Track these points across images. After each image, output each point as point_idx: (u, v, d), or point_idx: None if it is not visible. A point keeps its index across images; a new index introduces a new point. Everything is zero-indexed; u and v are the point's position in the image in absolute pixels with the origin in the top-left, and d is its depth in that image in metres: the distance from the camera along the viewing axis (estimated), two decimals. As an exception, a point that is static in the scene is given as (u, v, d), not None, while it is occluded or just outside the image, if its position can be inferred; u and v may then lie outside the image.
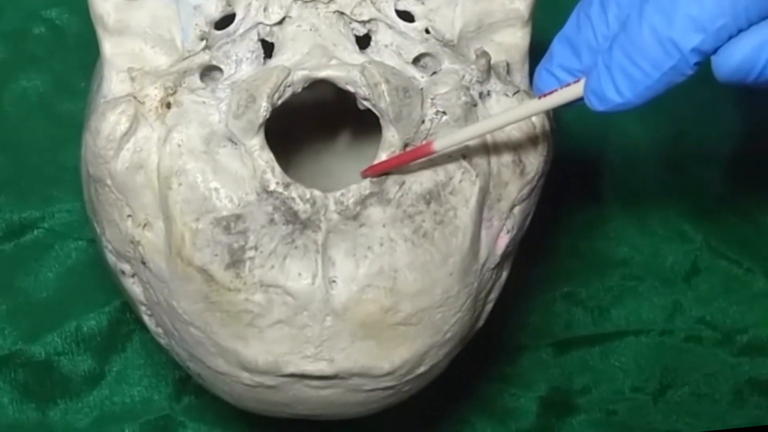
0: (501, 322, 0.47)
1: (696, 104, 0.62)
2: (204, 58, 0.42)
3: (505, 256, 0.43)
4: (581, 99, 0.37)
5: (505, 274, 0.44)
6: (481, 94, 0.42)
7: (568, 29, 0.39)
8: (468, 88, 0.42)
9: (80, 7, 0.45)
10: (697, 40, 0.34)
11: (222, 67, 0.42)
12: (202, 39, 0.42)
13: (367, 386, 0.42)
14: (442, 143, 0.39)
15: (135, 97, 0.41)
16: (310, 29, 0.42)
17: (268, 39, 0.42)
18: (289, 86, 0.40)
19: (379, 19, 0.43)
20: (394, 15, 0.43)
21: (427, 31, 0.43)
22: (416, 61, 0.43)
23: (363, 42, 0.42)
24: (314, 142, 0.53)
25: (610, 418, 0.60)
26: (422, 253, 0.40)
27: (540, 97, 0.38)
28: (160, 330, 0.44)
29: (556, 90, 0.38)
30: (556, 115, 0.43)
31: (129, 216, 0.42)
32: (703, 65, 0.35)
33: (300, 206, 0.40)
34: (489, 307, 0.44)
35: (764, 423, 0.60)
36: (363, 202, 0.40)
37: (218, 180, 0.40)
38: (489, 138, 0.41)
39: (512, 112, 0.39)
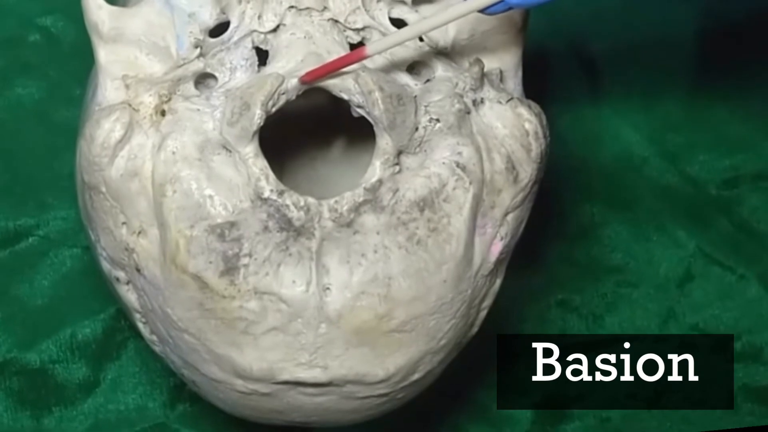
0: (495, 329, 0.47)
1: (689, 109, 0.62)
2: (198, 65, 0.42)
3: (498, 262, 0.43)
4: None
5: (499, 281, 0.44)
6: (474, 102, 0.42)
7: None
8: (461, 96, 0.42)
9: (75, 14, 0.45)
10: None
11: (216, 74, 0.42)
12: (196, 47, 0.42)
13: (361, 393, 0.42)
14: (374, 47, 0.40)
15: (129, 105, 0.41)
16: (305, 37, 0.42)
17: (263, 47, 0.42)
18: (283, 94, 0.40)
19: (373, 26, 0.43)
20: (388, 23, 0.43)
21: (421, 39, 0.43)
22: (410, 68, 0.43)
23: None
24: (308, 150, 0.53)
25: (604, 424, 0.60)
26: (416, 260, 0.40)
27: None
28: (154, 337, 0.44)
29: None
30: (549, 121, 0.44)
31: (123, 223, 0.42)
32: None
33: (294, 213, 0.40)
34: (483, 313, 0.44)
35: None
36: (357, 209, 0.40)
37: (213, 187, 0.40)
38: (482, 145, 0.42)
39: (441, 15, 0.39)
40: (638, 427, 0.60)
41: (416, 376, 0.43)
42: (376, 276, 0.40)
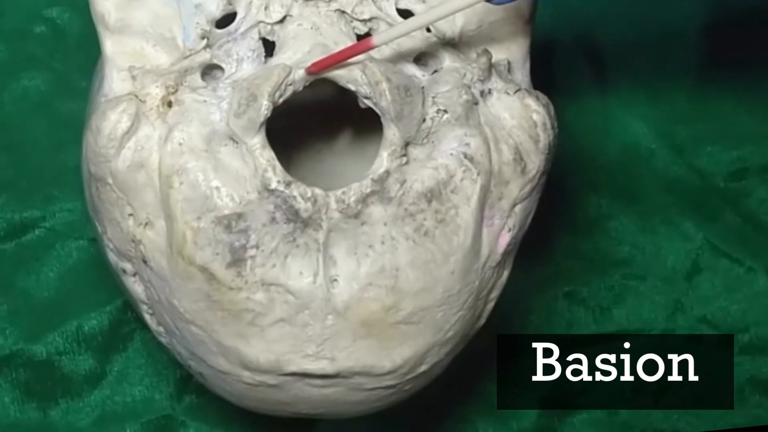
0: (502, 321, 0.47)
1: (696, 101, 0.62)
2: (205, 56, 0.42)
3: (506, 254, 0.43)
4: None
5: (506, 273, 0.44)
6: (482, 93, 0.42)
7: None
8: (469, 87, 0.42)
9: (81, 6, 0.45)
10: None
11: (223, 65, 0.42)
12: (203, 38, 0.42)
13: (368, 385, 0.42)
14: (381, 38, 0.40)
15: (136, 96, 0.41)
16: (311, 28, 0.42)
17: (269, 38, 0.42)
18: (290, 85, 0.40)
19: (380, 17, 0.43)
20: (395, 13, 0.43)
21: (428, 30, 0.43)
22: (417, 59, 0.43)
23: (364, 40, 0.42)
24: (315, 141, 0.53)
25: (611, 417, 0.60)
26: (424, 251, 0.40)
27: None
28: (161, 329, 0.44)
29: None
30: (557, 113, 0.44)
31: (130, 215, 0.42)
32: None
33: (301, 205, 0.40)
34: (490, 305, 0.44)
35: (765, 422, 0.60)
36: (364, 200, 0.40)
37: (219, 179, 0.40)
38: (490, 136, 0.41)
39: (448, 5, 0.39)
40: (645, 420, 0.60)
41: (423, 368, 0.42)
42: (383, 267, 0.40)
